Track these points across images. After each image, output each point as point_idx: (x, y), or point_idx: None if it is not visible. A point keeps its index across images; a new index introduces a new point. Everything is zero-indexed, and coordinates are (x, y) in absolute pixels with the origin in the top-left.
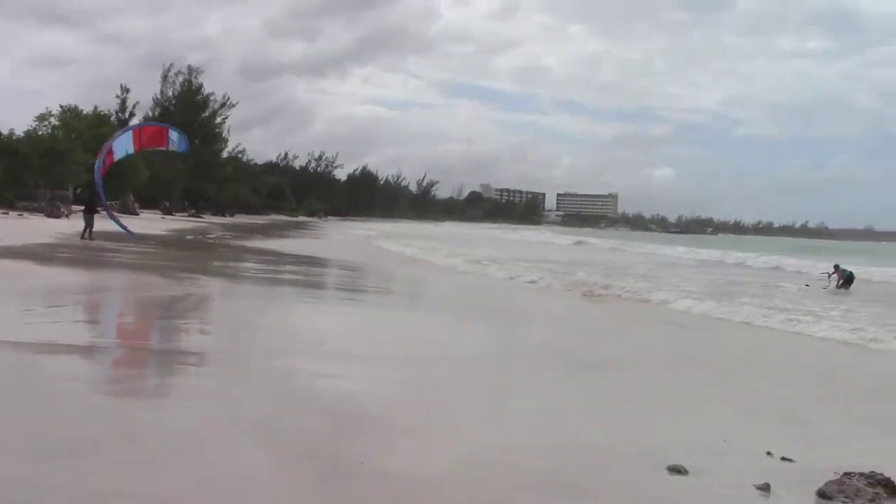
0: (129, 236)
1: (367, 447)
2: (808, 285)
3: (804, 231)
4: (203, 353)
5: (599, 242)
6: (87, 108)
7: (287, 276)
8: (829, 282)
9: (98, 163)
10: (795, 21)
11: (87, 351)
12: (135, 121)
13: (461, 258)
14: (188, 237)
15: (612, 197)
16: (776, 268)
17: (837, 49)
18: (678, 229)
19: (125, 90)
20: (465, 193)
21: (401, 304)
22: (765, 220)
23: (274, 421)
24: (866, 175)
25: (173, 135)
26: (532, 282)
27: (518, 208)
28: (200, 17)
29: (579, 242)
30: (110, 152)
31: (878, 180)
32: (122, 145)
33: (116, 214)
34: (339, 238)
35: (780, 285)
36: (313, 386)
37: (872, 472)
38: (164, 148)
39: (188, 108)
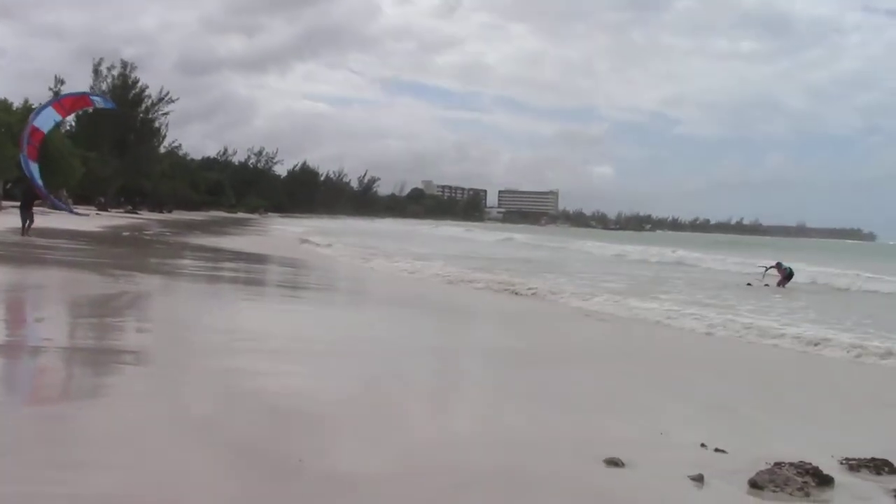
0: (81, 216)
1: (307, 445)
2: (750, 284)
3: (739, 228)
4: (138, 351)
5: (524, 239)
6: (17, 102)
7: (224, 273)
8: (764, 277)
9: (23, 156)
10: (730, 23)
11: (14, 351)
12: (70, 116)
13: (386, 257)
14: (124, 234)
15: (553, 194)
16: (679, 262)
17: (770, 51)
18: (617, 226)
19: (59, 81)
20: (408, 190)
21: (337, 301)
22: (702, 216)
23: (210, 420)
24: (797, 174)
25: (96, 98)
26: (451, 280)
27: (460, 205)
28: (137, 10)
29: (506, 239)
30: (35, 131)
31: (808, 179)
32: (48, 117)
33: (56, 200)
34: (268, 235)
35: (705, 281)
36: (251, 384)
37: (801, 461)
38: (90, 108)
39: (122, 102)
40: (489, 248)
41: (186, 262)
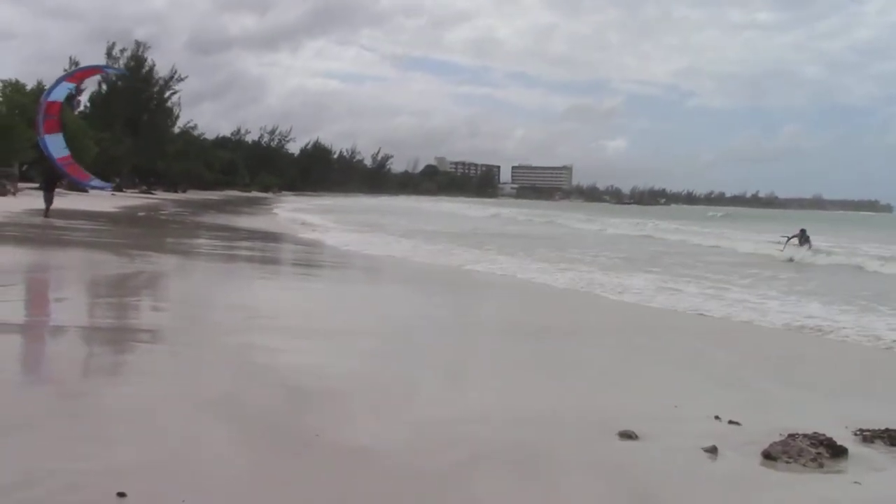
0: (104, 187)
1: (323, 420)
2: (792, 259)
3: (755, 201)
4: (155, 329)
5: (514, 213)
6: (30, 84)
7: (239, 252)
8: (785, 246)
9: (41, 138)
10: None
11: (35, 329)
12: (84, 96)
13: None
14: (140, 214)
15: (567, 169)
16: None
17: (786, 20)
18: (632, 200)
19: (74, 63)
20: (421, 167)
21: (350, 279)
22: (717, 190)
23: (227, 395)
24: (814, 145)
25: (108, 69)
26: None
27: (473, 181)
28: None
29: (494, 215)
30: (50, 105)
31: (825, 150)
32: (62, 88)
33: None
34: (269, 215)
35: (705, 257)
36: (267, 361)
37: (815, 432)
38: (101, 74)
39: (135, 82)
40: (474, 223)
41: (201, 241)
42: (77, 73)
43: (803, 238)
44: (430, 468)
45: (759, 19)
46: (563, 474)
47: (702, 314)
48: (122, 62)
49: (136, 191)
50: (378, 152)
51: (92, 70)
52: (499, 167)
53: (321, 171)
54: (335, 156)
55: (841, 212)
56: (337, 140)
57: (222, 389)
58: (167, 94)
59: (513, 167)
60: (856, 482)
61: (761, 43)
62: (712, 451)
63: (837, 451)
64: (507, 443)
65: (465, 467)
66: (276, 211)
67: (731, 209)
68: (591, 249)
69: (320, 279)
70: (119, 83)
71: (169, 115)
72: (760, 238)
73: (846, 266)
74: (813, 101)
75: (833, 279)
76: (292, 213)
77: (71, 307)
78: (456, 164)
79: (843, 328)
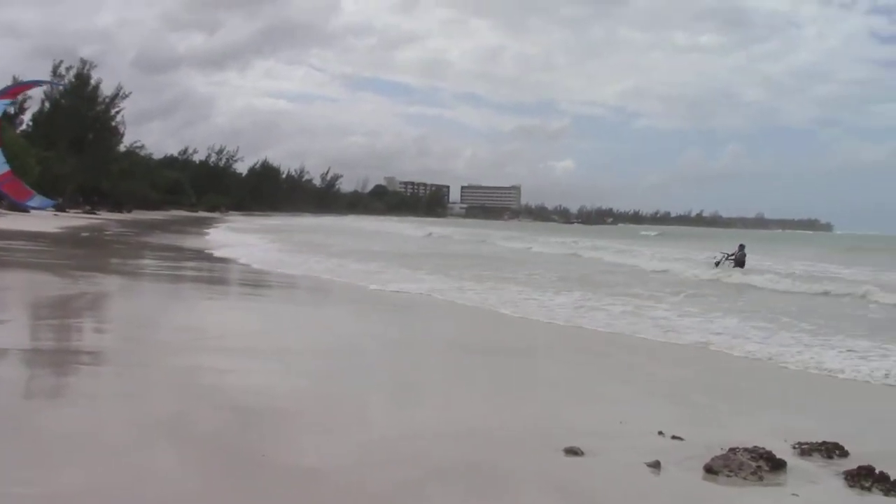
0: (45, 205)
1: (271, 440)
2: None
3: (699, 220)
4: (98, 351)
5: (449, 232)
6: None
7: (185, 273)
8: (724, 263)
9: None
10: (689, 16)
11: None
12: (27, 115)
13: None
14: (83, 234)
15: (516, 189)
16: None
17: (728, 44)
18: (578, 220)
19: (17, 81)
20: (370, 187)
21: (292, 298)
22: (662, 209)
23: (173, 417)
24: (756, 166)
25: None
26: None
27: (423, 201)
28: (94, 8)
29: (428, 234)
30: None
31: (766, 171)
32: None
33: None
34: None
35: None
36: (213, 381)
37: (755, 446)
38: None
39: (79, 100)
40: (411, 242)
41: (141, 261)
42: (12, 90)
43: (740, 254)
44: (378, 487)
45: (702, 42)
46: (511, 490)
47: (633, 333)
48: (67, 80)
49: (80, 211)
50: (327, 172)
51: (27, 85)
52: (448, 187)
53: (270, 191)
54: (284, 175)
55: (780, 230)
56: (286, 160)
57: (168, 410)
58: (112, 111)
59: (462, 187)
60: (794, 494)
61: (705, 65)
62: (655, 465)
63: (777, 465)
64: (454, 460)
65: (412, 485)
66: (210, 231)
67: (667, 228)
68: (520, 269)
69: (221, 298)
70: (63, 101)
71: (114, 134)
72: (690, 257)
73: (775, 284)
74: (755, 122)
75: (758, 297)
76: (227, 233)
77: (11, 329)
78: (405, 183)
79: (770, 346)
